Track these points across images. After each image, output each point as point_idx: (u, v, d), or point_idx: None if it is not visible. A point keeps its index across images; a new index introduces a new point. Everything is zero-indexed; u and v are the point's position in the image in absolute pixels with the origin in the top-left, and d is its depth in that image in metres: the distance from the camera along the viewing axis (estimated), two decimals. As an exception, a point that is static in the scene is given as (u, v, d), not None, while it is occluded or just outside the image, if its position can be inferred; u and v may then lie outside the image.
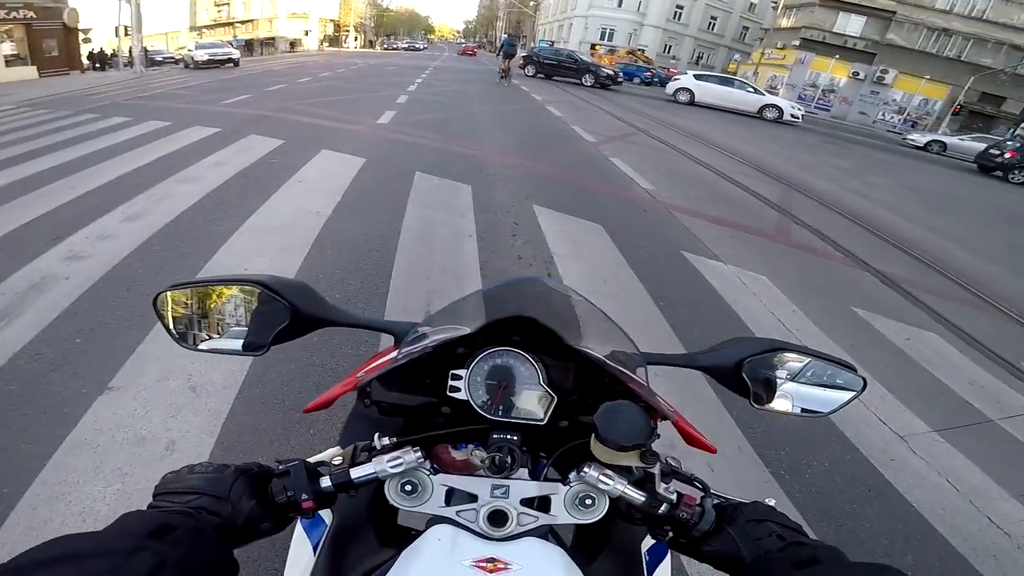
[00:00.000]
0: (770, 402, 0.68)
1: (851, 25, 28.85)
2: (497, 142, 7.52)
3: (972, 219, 7.82)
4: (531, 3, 58.61)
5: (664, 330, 2.94)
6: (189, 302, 0.68)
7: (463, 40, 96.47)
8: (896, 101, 27.38)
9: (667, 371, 0.73)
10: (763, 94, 18.73)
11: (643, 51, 37.67)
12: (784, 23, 31.55)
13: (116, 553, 0.35)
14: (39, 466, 1.71)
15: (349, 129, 7.63)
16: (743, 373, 0.66)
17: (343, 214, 4.11)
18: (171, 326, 0.67)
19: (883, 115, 27.67)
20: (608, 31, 41.72)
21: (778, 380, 0.68)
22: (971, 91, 25.96)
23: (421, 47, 67.66)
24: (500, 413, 0.61)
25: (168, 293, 0.66)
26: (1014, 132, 25.85)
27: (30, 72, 19.76)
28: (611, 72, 20.15)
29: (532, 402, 0.61)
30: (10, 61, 19.38)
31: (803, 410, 0.69)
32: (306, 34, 58.01)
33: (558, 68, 20.56)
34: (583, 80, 19.63)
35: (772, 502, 0.53)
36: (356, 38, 68.10)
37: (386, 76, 17.58)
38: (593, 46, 39.77)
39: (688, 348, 2.73)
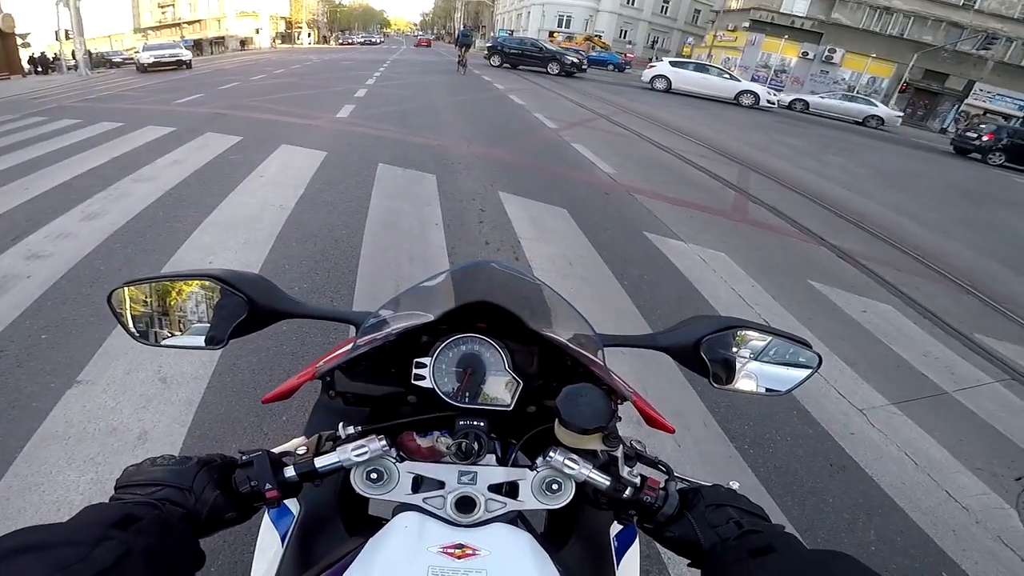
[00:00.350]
0: (730, 382, 0.69)
1: (797, 5, 29.41)
2: (460, 132, 7.54)
3: (928, 196, 8.20)
4: None
5: (629, 309, 3.04)
6: (148, 299, 0.68)
7: (420, 33, 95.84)
8: (845, 80, 28.43)
9: (632, 349, 0.75)
10: (739, 80, 18.83)
11: (600, 37, 37.97)
12: (733, 4, 31.91)
13: (82, 543, 0.35)
14: (11, 458, 1.72)
15: (307, 124, 7.52)
16: (701, 352, 0.66)
17: (306, 206, 4.11)
18: (129, 324, 0.67)
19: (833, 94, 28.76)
20: (565, 18, 42.07)
21: (737, 359, 0.69)
22: (916, 69, 27.09)
23: (377, 41, 66.46)
24: (467, 400, 0.61)
25: (124, 289, 0.65)
26: (958, 109, 27.33)
27: (-33, 78, 18.60)
28: (576, 60, 20.13)
29: (498, 388, 0.62)
30: (-56, 67, 18.19)
31: (766, 389, 0.70)
32: (257, 32, 56.21)
33: (523, 57, 20.53)
34: (548, 68, 19.62)
35: (735, 485, 0.54)
36: (310, 34, 66.37)
37: (342, 71, 17.23)
38: (551, 33, 39.87)
39: (653, 325, 2.83)
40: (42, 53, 25.23)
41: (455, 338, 0.62)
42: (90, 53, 25.36)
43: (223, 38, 49.92)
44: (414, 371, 0.62)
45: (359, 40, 67.53)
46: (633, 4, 42.16)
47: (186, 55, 20.47)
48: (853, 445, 2.23)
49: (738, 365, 0.69)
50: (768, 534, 0.46)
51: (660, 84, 18.65)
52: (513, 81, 15.57)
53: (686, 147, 8.20)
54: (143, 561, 0.36)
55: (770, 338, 0.69)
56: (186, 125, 7.21)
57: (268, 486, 0.48)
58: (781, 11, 29.48)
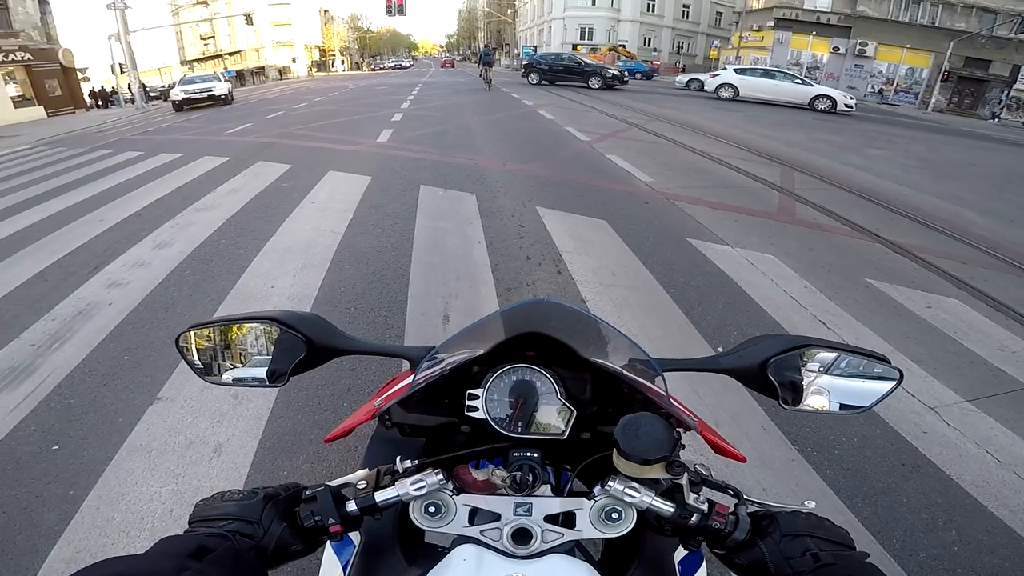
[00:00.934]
0: (801, 401, 0.66)
1: (820, 1, 28.82)
2: (495, 150, 7.72)
3: (986, 184, 7.69)
4: (509, 11, 59.12)
5: (678, 317, 2.98)
6: (212, 339, 0.72)
7: (447, 54, 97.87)
8: (882, 73, 27.37)
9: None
10: (812, 84, 17.35)
11: (623, 46, 37.58)
12: (756, 4, 31.05)
13: (161, 573, 0.37)
14: (100, 470, 1.87)
15: (350, 150, 7.86)
16: (768, 374, 0.64)
17: (356, 230, 4.29)
18: (195, 361, 0.71)
19: (872, 87, 27.68)
20: (587, 30, 41.59)
21: (807, 378, 0.65)
22: (955, 57, 25.77)
23: (407, 65, 68.64)
24: (520, 429, 0.61)
25: (190, 332, 0.71)
26: (1007, 95, 25.81)
27: (38, 112, 20.41)
28: (616, 72, 19.70)
29: (551, 416, 0.62)
30: (17, 103, 20.03)
31: (840, 406, 0.67)
32: (293, 61, 58.98)
33: (562, 73, 20.09)
34: (590, 83, 19.12)
35: (812, 505, 0.52)
36: (343, 61, 69.10)
37: (378, 96, 17.87)
38: (575, 46, 39.46)
39: (704, 333, 2.81)
40: (101, 87, 27.19)
41: (506, 368, 0.62)
42: (144, 86, 27.26)
43: (263, 68, 52.66)
44: (467, 402, 0.62)
45: (390, 65, 69.95)
46: (653, 11, 41.53)
47: (222, 88, 18.41)
48: (927, 444, 2.13)
49: (808, 383, 0.66)
50: (845, 566, 0.45)
51: (726, 93, 17.68)
52: (541, 96, 15.80)
53: (722, 151, 8.09)
54: None
55: (843, 355, 0.66)
56: (238, 155, 7.66)
57: (332, 520, 0.50)
58: (805, 7, 28.68)
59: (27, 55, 20.12)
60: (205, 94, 17.90)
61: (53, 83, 21.67)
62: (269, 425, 2.10)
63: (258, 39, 58.21)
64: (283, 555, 0.49)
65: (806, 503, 0.52)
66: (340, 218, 4.55)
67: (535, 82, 20.59)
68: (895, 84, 26.96)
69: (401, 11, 31.92)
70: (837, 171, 7.28)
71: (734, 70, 18.62)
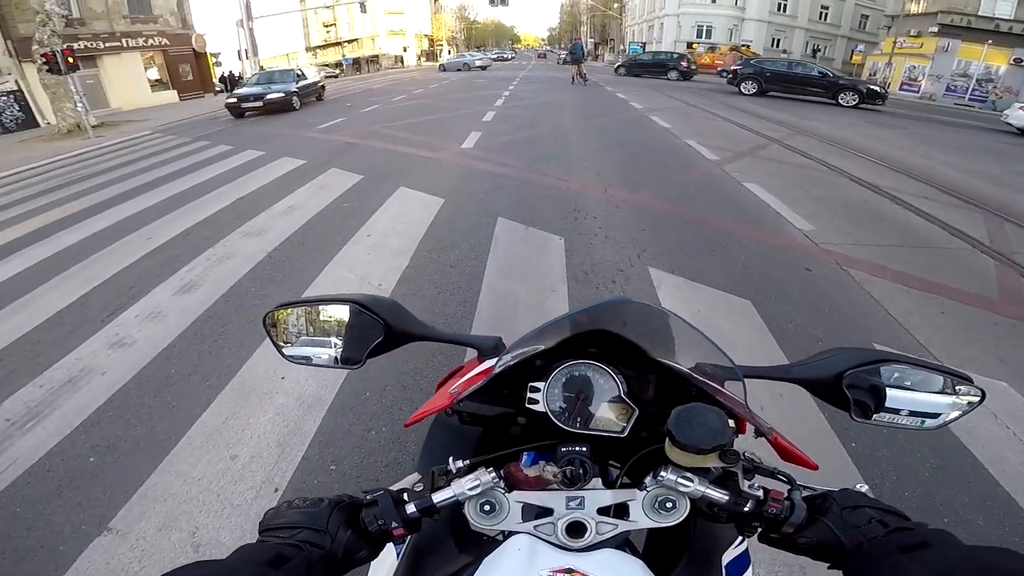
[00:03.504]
0: (874, 415, 0.63)
1: (1000, 7, 23.99)
2: (594, 167, 6.47)
3: None
4: (615, 5, 56.36)
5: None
6: (293, 320, 0.75)
7: (547, 47, 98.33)
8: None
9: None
10: None
11: (747, 46, 34.74)
12: (914, 8, 27.24)
13: None
14: None
15: (431, 157, 7.06)
16: (843, 386, 0.62)
17: (407, 288, 3.38)
18: (277, 341, 0.75)
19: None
20: (705, 28, 39.22)
21: (883, 391, 0.63)
22: None
23: (509, 57, 68.20)
24: (578, 425, 0.61)
25: (277, 311, 0.74)
26: None
27: (172, 96, 22.30)
28: (877, 88, 15.64)
29: (612, 414, 0.61)
30: (154, 86, 21.95)
31: (917, 422, 0.64)
32: (404, 50, 60.93)
33: (796, 85, 16.18)
34: (840, 100, 15.26)
35: (864, 487, 0.51)
36: (449, 51, 70.36)
37: (475, 90, 17.28)
38: (690, 44, 37.67)
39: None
40: (229, 72, 29.31)
41: (569, 364, 0.63)
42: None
43: (377, 56, 54.96)
44: (528, 395, 0.63)
45: (492, 56, 70.06)
46: (785, 11, 38.12)
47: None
48: None
49: (883, 397, 0.62)
50: (920, 531, 0.44)
51: None
52: (652, 99, 14.14)
53: (896, 183, 6.18)
54: None
55: (923, 371, 0.64)
56: (316, 158, 7.21)
57: (395, 524, 0.51)
58: (979, 14, 24.11)
59: (164, 40, 21.90)
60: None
61: (186, 68, 23.53)
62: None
63: (373, 27, 60.87)
64: (349, 563, 0.49)
65: (857, 486, 0.52)
66: (393, 265, 3.66)
67: (751, 92, 16.84)
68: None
69: (504, 1, 31.90)
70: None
71: None
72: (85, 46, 18.16)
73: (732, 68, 18.31)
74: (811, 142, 8.65)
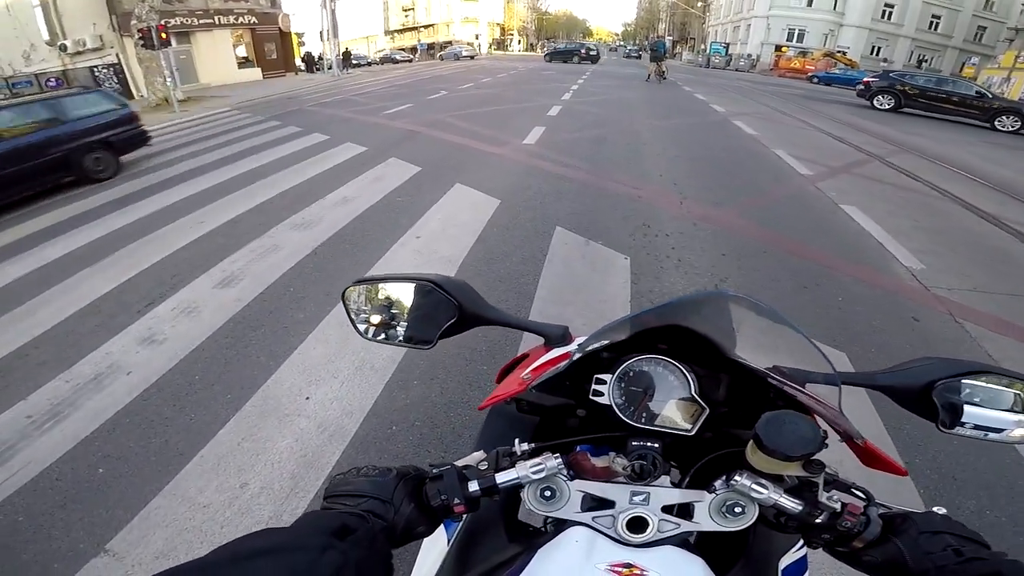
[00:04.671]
0: (961, 426, 0.60)
1: None
2: (669, 176, 5.92)
3: None
4: (698, 4, 53.62)
5: None
6: (369, 296, 0.76)
7: (620, 43, 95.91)
8: None
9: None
10: None
11: (844, 53, 32.29)
12: None
13: (311, 549, 0.37)
14: None
15: (491, 152, 6.78)
16: (933, 395, 0.59)
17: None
18: (353, 317, 0.75)
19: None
20: (797, 32, 36.86)
21: (974, 404, 0.60)
22: None
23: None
24: (643, 420, 0.60)
25: (355, 287, 0.75)
26: None
27: (256, 74, 23.23)
28: None
29: (679, 411, 0.60)
30: (241, 64, 22.92)
31: (1008, 436, 0.61)
32: (476, 37, 61.07)
33: (944, 104, 14.04)
34: (998, 124, 13.15)
35: (943, 511, 0.49)
36: (519, 42, 69.87)
37: (542, 82, 16.85)
38: (779, 48, 35.66)
39: None
40: (308, 53, 30.29)
41: (638, 358, 0.61)
42: (349, 54, 29.92)
43: (451, 43, 55.48)
44: (593, 386, 0.62)
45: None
46: (890, 18, 35.28)
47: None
48: None
49: (974, 408, 0.60)
50: (994, 561, 0.43)
51: None
52: (735, 101, 13.17)
53: (1021, 215, 5.27)
54: (355, 572, 0.38)
55: (1014, 383, 0.61)
56: (378, 145, 7.13)
57: (456, 500, 0.50)
58: None
59: (253, 18, 22.78)
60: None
61: (271, 46, 24.44)
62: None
63: (449, 13, 61.42)
64: (408, 535, 0.49)
65: (936, 509, 0.50)
66: (440, 271, 3.39)
67: (887, 107, 14.86)
68: None
69: None
70: None
71: None
72: (180, 22, 19.20)
73: (866, 80, 16.14)
74: (919, 161, 7.59)
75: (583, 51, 33.06)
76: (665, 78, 18.50)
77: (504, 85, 15.75)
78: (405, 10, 66.23)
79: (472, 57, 38.42)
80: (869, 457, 0.60)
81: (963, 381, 0.60)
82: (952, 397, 0.60)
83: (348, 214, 4.45)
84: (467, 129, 8.30)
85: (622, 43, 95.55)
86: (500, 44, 65.92)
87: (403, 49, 49.31)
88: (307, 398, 2.28)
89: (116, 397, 2.36)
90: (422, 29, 63.59)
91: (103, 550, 1.69)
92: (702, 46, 48.70)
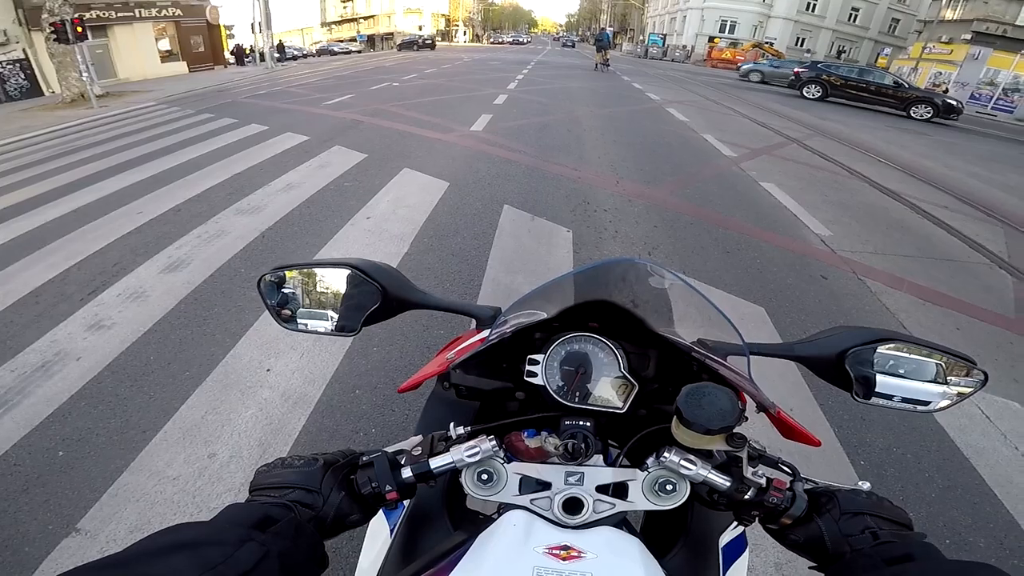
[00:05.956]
0: (875, 395, 0.62)
1: None
2: (607, 158, 6.24)
3: None
4: None
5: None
6: (288, 284, 0.71)
7: (564, 34, 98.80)
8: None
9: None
10: None
11: (771, 44, 34.13)
12: (950, 15, 26.75)
13: (227, 543, 0.36)
14: None
15: (438, 139, 6.85)
16: (846, 365, 0.61)
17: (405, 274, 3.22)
18: (272, 306, 0.71)
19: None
20: (729, 23, 38.82)
21: (886, 372, 0.62)
22: None
23: (525, 41, 67.12)
24: (577, 399, 0.60)
25: (269, 276, 0.70)
26: None
27: (181, 67, 21.89)
28: (953, 102, 14.42)
29: (611, 389, 0.60)
30: (164, 57, 21.53)
31: (918, 404, 0.63)
32: (420, 29, 59.98)
33: (863, 93, 15.14)
34: (912, 113, 14.31)
35: (866, 486, 0.50)
36: (465, 32, 69.26)
37: (489, 72, 16.91)
38: (712, 39, 37.46)
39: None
40: (238, 45, 28.82)
41: (569, 336, 0.61)
42: (282, 45, 28.58)
43: (392, 34, 54.12)
44: (526, 368, 0.61)
45: (508, 39, 68.72)
46: (814, 10, 37.53)
47: None
48: None
49: (886, 378, 0.62)
50: (905, 543, 0.44)
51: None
52: (670, 89, 13.79)
53: (918, 192, 5.94)
54: (278, 563, 0.38)
55: (927, 351, 0.62)
56: (320, 134, 7.01)
57: (388, 488, 0.49)
58: (1017, 23, 23.45)
59: (178, 11, 21.47)
60: None
61: (198, 39, 23.11)
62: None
63: (391, 4, 59.91)
64: (340, 525, 0.48)
65: (860, 484, 0.50)
66: (392, 251, 3.49)
67: (815, 97, 15.89)
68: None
69: None
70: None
71: None
72: (97, 15, 17.84)
73: (796, 71, 17.34)
74: (831, 144, 8.37)
75: (420, 40, 38.11)
76: (608, 67, 19.74)
77: (450, 75, 15.68)
78: (344, 1, 64.03)
79: (432, 47, 38.32)
80: (787, 429, 0.61)
81: (880, 351, 0.61)
82: (865, 367, 0.62)
83: (295, 199, 4.43)
84: (414, 118, 8.30)
85: (565, 33, 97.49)
86: (445, 35, 65.03)
87: (342, 40, 47.46)
88: (268, 370, 2.34)
89: (68, 382, 2.31)
90: (362, 20, 61.71)
91: (74, 529, 1.70)
92: (641, 37, 50.13)
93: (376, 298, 0.66)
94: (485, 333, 0.68)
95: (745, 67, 22.83)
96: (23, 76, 16.24)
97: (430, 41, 38.41)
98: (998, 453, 2.11)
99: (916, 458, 2.05)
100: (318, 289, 0.71)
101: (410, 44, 37.95)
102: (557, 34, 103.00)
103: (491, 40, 70.30)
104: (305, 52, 36.15)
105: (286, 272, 0.70)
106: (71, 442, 2.00)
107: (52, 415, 2.13)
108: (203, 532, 0.37)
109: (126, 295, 3.00)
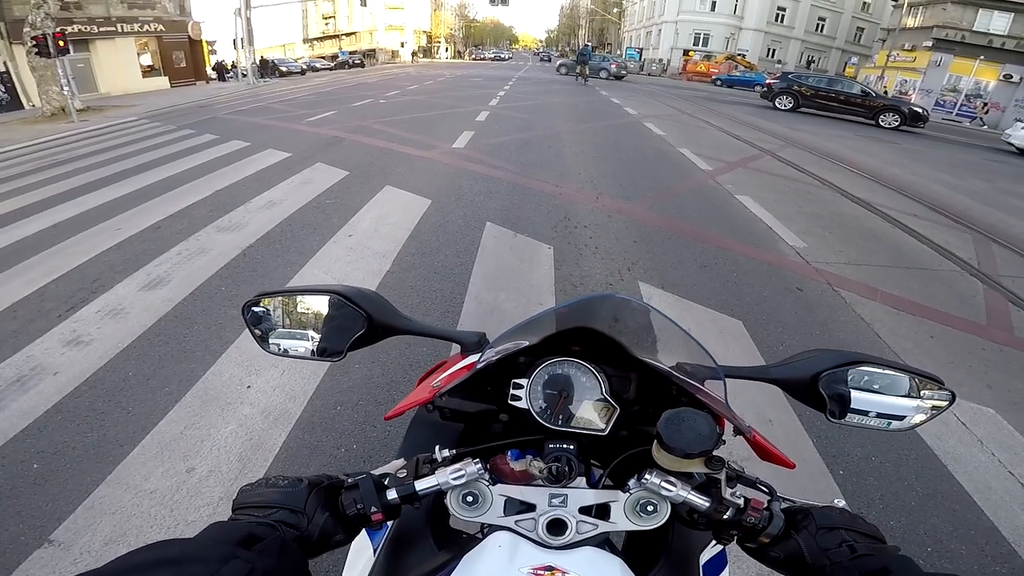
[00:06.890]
0: (848, 416, 0.65)
1: (995, 23, 24.64)
2: (587, 174, 6.37)
3: None
4: (615, 10, 56.65)
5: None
6: (272, 310, 0.73)
7: (544, 49, 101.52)
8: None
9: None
10: None
11: (743, 56, 35.08)
12: (911, 22, 27.78)
13: (212, 560, 0.36)
14: None
15: (421, 156, 6.91)
16: (820, 387, 0.64)
17: (387, 295, 3.16)
18: (255, 330, 0.72)
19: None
20: (702, 36, 40.04)
21: (858, 393, 0.65)
22: None
23: (506, 57, 68.31)
24: (560, 422, 0.60)
25: (255, 300, 0.71)
26: None
27: (163, 83, 21.71)
28: (919, 110, 14.93)
29: (593, 412, 0.61)
30: (146, 72, 21.37)
31: (888, 424, 0.66)
32: (402, 45, 60.49)
33: (834, 103, 15.55)
34: (880, 121, 14.83)
35: (842, 503, 0.52)
36: (447, 49, 70.07)
37: (470, 88, 17.12)
38: (686, 52, 38.33)
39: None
40: (220, 61, 28.62)
41: (552, 361, 0.62)
42: (263, 61, 28.28)
43: (374, 51, 54.39)
44: (511, 391, 0.62)
45: (490, 56, 69.61)
46: (782, 21, 38.95)
47: None
48: None
49: (858, 399, 0.65)
50: (882, 557, 0.45)
51: None
52: (647, 105, 14.12)
53: (887, 200, 6.16)
54: None
55: (894, 373, 0.65)
56: (302, 151, 7.03)
57: (374, 509, 0.50)
58: (974, 29, 24.60)
59: (160, 26, 21.36)
60: None
61: (180, 55, 22.98)
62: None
63: (372, 21, 60.34)
64: (325, 544, 0.48)
65: (836, 501, 0.52)
66: (374, 269, 3.50)
67: (787, 108, 16.29)
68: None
69: (504, 1, 32.03)
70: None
71: None
72: (79, 29, 17.68)
73: (767, 82, 17.97)
74: (803, 155, 8.67)
75: (351, 60, 42.43)
76: (588, 80, 21.51)
77: (432, 92, 15.83)
78: (326, 18, 64.29)
79: (362, 65, 41.73)
80: (763, 451, 0.63)
81: (852, 370, 0.64)
82: (839, 387, 0.64)
83: (277, 216, 4.43)
84: (396, 135, 8.36)
85: (545, 49, 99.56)
86: (427, 52, 65.65)
87: (323, 57, 47.19)
88: (248, 387, 2.33)
89: (44, 396, 2.29)
90: (343, 37, 62.00)
91: (47, 540, 1.67)
92: (618, 51, 51.28)
93: (361, 324, 0.67)
94: (471, 359, 0.70)
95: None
96: (3, 89, 16.01)
97: (359, 60, 43.21)
98: (975, 459, 2.15)
99: (895, 467, 2.09)
100: (302, 315, 0.72)
101: (343, 64, 41.71)
102: (537, 50, 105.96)
103: (473, 56, 71.17)
104: (303, 68, 31.69)
105: (270, 298, 0.72)
106: (46, 455, 1.98)
107: (27, 428, 2.10)
108: (188, 549, 0.37)
109: (105, 311, 2.97)
